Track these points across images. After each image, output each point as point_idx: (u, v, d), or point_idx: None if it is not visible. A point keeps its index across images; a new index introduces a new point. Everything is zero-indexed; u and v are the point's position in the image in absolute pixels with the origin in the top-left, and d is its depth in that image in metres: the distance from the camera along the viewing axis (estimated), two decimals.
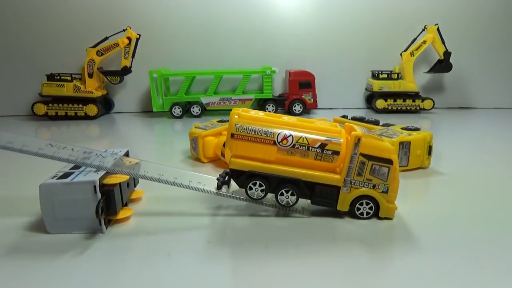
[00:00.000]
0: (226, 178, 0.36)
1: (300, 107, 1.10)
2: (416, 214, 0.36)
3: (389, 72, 1.18)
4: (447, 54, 1.17)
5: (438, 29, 1.16)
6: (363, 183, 0.34)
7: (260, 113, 0.36)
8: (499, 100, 1.25)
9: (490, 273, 0.26)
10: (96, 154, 0.35)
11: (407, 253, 0.29)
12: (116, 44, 1.05)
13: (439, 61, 1.20)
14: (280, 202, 0.35)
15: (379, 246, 0.31)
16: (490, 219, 0.36)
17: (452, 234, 0.32)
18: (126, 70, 1.08)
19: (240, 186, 0.35)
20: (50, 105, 1.03)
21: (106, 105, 1.14)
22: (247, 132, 0.33)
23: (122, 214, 0.34)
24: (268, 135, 0.33)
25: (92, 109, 1.04)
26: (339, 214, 0.36)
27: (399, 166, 0.49)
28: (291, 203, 0.35)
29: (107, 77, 1.09)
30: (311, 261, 0.28)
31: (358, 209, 0.35)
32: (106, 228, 0.33)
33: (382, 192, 0.34)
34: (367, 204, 0.34)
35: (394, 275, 0.27)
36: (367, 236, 0.32)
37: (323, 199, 0.35)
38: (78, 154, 0.34)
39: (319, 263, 0.28)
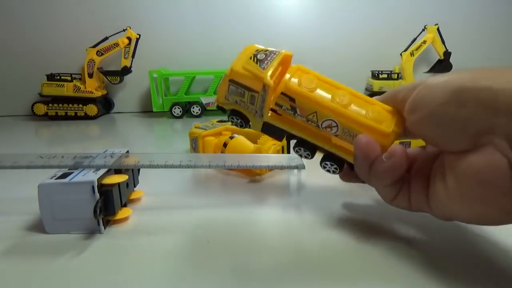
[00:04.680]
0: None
1: None
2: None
3: (389, 72, 1.18)
4: (447, 54, 1.17)
5: (438, 29, 1.16)
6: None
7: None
8: None
9: None
10: (86, 156, 0.36)
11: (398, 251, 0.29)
12: (116, 44, 1.05)
13: (439, 61, 1.20)
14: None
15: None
16: None
17: (447, 234, 0.32)
18: (126, 70, 1.08)
19: None
20: (50, 105, 1.03)
21: (106, 105, 1.14)
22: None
23: (120, 214, 0.34)
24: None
25: (92, 109, 1.04)
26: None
27: None
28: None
29: (107, 77, 1.09)
30: (310, 260, 0.28)
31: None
32: (105, 228, 0.33)
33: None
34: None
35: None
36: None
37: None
38: (68, 159, 0.35)
39: (318, 264, 0.28)
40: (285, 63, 0.34)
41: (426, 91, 0.26)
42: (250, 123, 0.34)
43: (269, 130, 0.34)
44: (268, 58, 0.32)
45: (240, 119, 0.34)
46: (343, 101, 0.31)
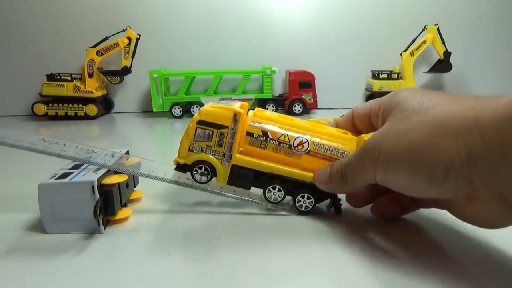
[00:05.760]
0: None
1: (300, 107, 1.10)
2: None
3: (389, 72, 1.18)
4: (447, 54, 1.17)
5: (438, 29, 1.16)
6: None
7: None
8: None
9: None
10: (88, 150, 0.36)
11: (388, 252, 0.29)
12: (116, 44, 1.05)
13: (439, 61, 1.20)
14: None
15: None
16: None
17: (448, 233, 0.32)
18: (126, 70, 1.08)
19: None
20: (50, 105, 1.03)
21: (106, 105, 1.14)
22: None
23: (120, 214, 0.34)
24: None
25: (92, 109, 1.04)
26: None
27: None
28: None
29: (107, 77, 1.09)
30: (308, 261, 0.28)
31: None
32: (105, 228, 0.33)
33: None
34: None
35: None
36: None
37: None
38: (70, 150, 0.35)
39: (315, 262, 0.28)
40: (244, 108, 0.36)
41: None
42: (217, 174, 0.35)
43: (237, 177, 0.35)
44: (230, 102, 0.36)
45: (206, 167, 0.34)
46: (304, 123, 0.36)
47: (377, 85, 1.15)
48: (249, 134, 0.34)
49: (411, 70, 1.17)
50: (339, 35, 1.21)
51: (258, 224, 0.35)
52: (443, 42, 1.17)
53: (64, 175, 0.32)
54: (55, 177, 0.32)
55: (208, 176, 0.35)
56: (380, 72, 1.18)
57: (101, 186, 0.32)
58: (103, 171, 0.33)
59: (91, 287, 0.25)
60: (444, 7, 1.22)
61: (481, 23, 1.24)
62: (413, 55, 1.16)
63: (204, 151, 0.34)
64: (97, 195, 0.31)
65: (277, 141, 0.34)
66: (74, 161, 0.36)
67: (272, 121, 0.35)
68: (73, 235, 0.32)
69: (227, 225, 0.34)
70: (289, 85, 1.10)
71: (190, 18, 1.16)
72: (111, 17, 1.11)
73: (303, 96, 1.10)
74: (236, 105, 0.34)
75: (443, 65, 1.18)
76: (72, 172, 0.33)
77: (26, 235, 0.32)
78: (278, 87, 1.22)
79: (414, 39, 1.18)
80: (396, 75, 1.16)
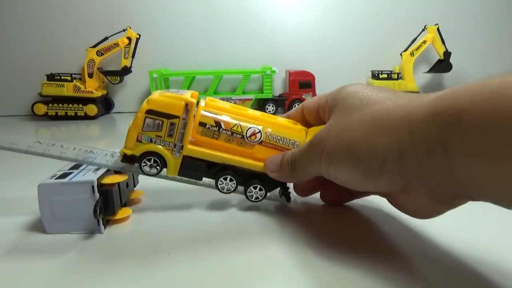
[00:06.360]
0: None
1: None
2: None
3: (389, 72, 1.18)
4: (447, 54, 1.17)
5: (438, 29, 1.16)
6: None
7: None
8: None
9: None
10: (87, 150, 0.36)
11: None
12: (116, 44, 1.05)
13: (439, 61, 1.20)
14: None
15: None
16: (486, 218, 0.35)
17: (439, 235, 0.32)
18: (126, 70, 1.08)
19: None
20: (50, 105, 1.03)
21: (106, 105, 1.14)
22: None
23: (120, 214, 0.34)
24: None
25: (92, 109, 1.04)
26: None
27: None
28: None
29: (107, 77, 1.09)
30: (310, 262, 0.28)
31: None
32: (105, 228, 0.33)
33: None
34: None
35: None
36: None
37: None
38: (69, 151, 0.35)
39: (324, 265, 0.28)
40: (195, 97, 0.34)
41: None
42: (167, 165, 0.33)
43: (188, 168, 0.34)
44: (180, 91, 0.34)
45: (155, 159, 0.33)
46: (256, 114, 0.36)
47: (377, 85, 1.15)
48: (202, 124, 0.33)
49: (411, 70, 1.17)
50: (339, 35, 1.21)
51: (259, 224, 0.35)
52: (443, 42, 1.17)
53: (63, 175, 0.32)
54: (55, 177, 0.32)
55: (158, 167, 0.33)
56: (380, 72, 1.18)
57: (101, 186, 0.32)
58: (102, 170, 0.33)
59: (91, 287, 0.25)
60: (444, 7, 1.22)
61: (481, 23, 1.24)
62: (413, 55, 1.16)
63: (153, 142, 0.33)
64: (97, 195, 0.31)
65: (230, 131, 0.34)
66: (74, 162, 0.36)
67: (224, 111, 0.35)
68: (73, 235, 0.32)
69: (227, 226, 0.34)
70: (289, 85, 1.10)
71: (190, 18, 1.16)
72: (111, 17, 1.12)
73: (303, 96, 1.10)
74: (187, 94, 0.33)
75: (443, 65, 1.19)
76: (71, 172, 0.33)
77: (26, 235, 0.32)
78: (278, 87, 1.22)
79: (414, 39, 1.18)
80: (396, 75, 1.16)
